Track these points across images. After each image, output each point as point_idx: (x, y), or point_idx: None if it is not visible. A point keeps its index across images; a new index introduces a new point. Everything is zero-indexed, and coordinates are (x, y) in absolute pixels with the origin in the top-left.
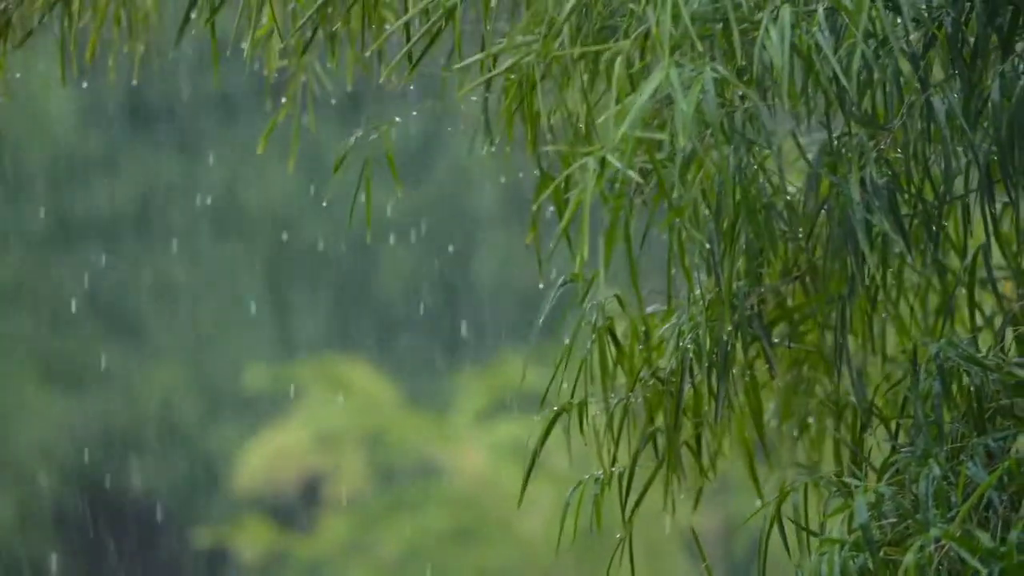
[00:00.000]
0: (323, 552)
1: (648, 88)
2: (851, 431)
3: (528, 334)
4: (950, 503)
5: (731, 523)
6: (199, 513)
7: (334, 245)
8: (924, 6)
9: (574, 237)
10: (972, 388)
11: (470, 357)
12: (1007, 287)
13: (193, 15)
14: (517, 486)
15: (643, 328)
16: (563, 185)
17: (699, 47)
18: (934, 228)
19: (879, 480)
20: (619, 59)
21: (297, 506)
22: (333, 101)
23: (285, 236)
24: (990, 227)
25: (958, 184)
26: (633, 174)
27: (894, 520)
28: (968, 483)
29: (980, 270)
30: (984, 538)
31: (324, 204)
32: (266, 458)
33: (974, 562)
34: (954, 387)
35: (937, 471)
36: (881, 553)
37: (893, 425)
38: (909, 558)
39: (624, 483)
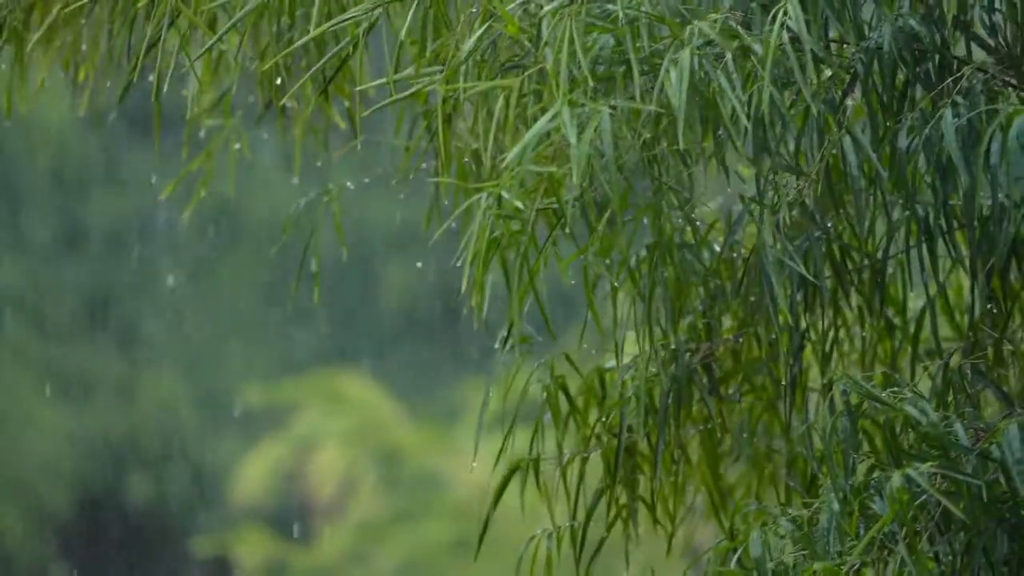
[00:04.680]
0: (323, 562)
1: (539, 124)
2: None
3: (532, 340)
4: (855, 536)
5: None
6: (200, 524)
7: (335, 256)
8: (837, 53)
9: (473, 274)
10: (883, 424)
11: (474, 368)
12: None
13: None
14: (520, 498)
15: (594, 381)
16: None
17: (590, 86)
18: (878, 280)
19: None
20: (512, 95)
21: (297, 516)
22: (343, 125)
23: (286, 246)
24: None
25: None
26: (522, 206)
27: (806, 553)
28: (872, 517)
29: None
30: (869, 574)
31: (321, 214)
32: (267, 468)
33: None
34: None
35: (836, 506)
36: None
37: (816, 463)
38: None
39: (579, 538)
